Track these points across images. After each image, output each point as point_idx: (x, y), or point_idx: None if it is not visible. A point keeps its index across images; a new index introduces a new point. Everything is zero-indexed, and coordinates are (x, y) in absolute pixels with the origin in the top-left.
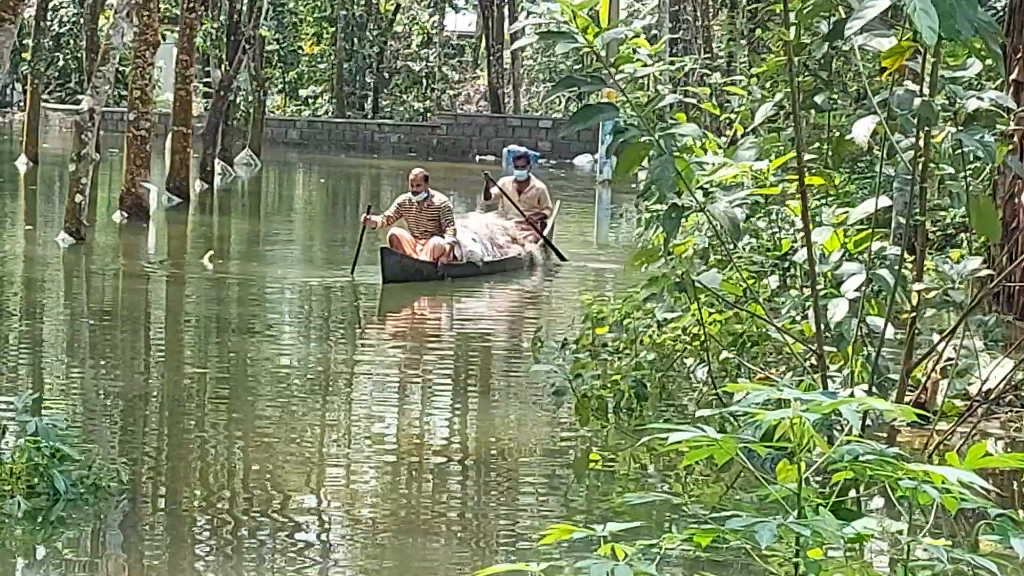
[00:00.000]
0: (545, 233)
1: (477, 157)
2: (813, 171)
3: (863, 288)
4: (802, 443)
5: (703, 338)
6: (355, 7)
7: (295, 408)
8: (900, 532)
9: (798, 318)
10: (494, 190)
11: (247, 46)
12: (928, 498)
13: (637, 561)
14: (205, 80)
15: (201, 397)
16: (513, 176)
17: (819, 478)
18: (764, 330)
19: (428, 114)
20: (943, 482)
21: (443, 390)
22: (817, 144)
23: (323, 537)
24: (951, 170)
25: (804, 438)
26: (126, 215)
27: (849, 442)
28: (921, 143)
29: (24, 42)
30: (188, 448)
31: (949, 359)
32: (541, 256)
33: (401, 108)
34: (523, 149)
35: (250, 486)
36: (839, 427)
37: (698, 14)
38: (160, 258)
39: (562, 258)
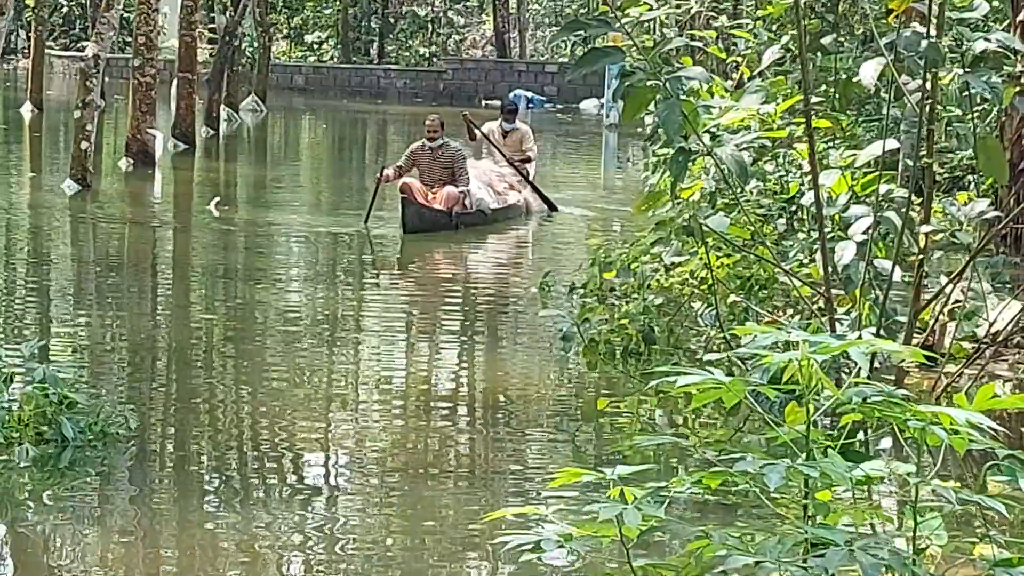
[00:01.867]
0: (530, 176)
1: (483, 102)
2: (820, 114)
3: (870, 231)
4: (810, 385)
5: (711, 282)
6: None
7: (304, 355)
8: (908, 473)
9: (806, 261)
10: (478, 132)
11: None
12: (936, 439)
13: (646, 504)
14: (210, 26)
15: (209, 344)
16: (499, 121)
17: (827, 420)
18: (772, 273)
19: (434, 59)
20: (951, 423)
21: (451, 336)
22: (824, 87)
23: (331, 482)
24: (958, 112)
25: (812, 380)
26: (132, 162)
27: (857, 384)
28: (928, 85)
29: None
30: (196, 395)
31: (957, 301)
32: (536, 203)
33: (407, 53)
34: (529, 93)
35: (258, 432)
36: (847, 369)
37: None
38: (166, 205)
39: (553, 208)
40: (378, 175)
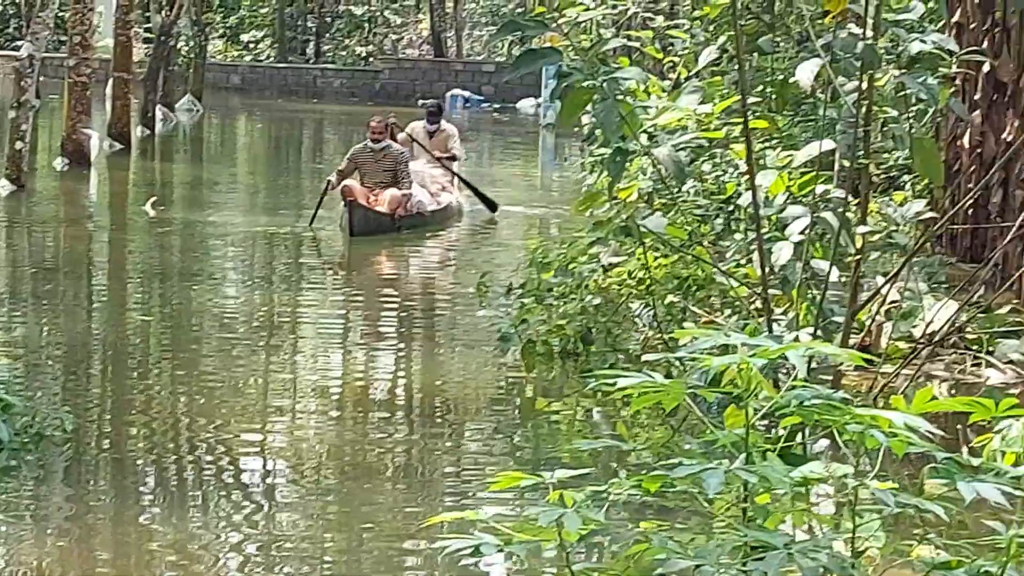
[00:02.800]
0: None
1: (420, 102)
2: (757, 114)
3: (807, 231)
4: (749, 388)
5: (648, 282)
6: None
7: (241, 356)
8: (847, 476)
9: (743, 262)
10: (400, 135)
11: None
12: (875, 442)
13: (585, 508)
14: (146, 26)
15: (145, 345)
16: (423, 122)
17: (766, 422)
18: (709, 274)
19: (370, 59)
20: (890, 426)
21: (389, 338)
22: (761, 87)
23: (268, 484)
24: (894, 113)
25: (751, 383)
26: (67, 162)
27: (795, 387)
28: (864, 86)
29: None
30: (132, 396)
31: (893, 302)
32: (468, 204)
33: (343, 53)
34: (466, 93)
35: (195, 434)
36: (785, 371)
37: None
38: (102, 205)
39: (492, 207)
40: (325, 185)
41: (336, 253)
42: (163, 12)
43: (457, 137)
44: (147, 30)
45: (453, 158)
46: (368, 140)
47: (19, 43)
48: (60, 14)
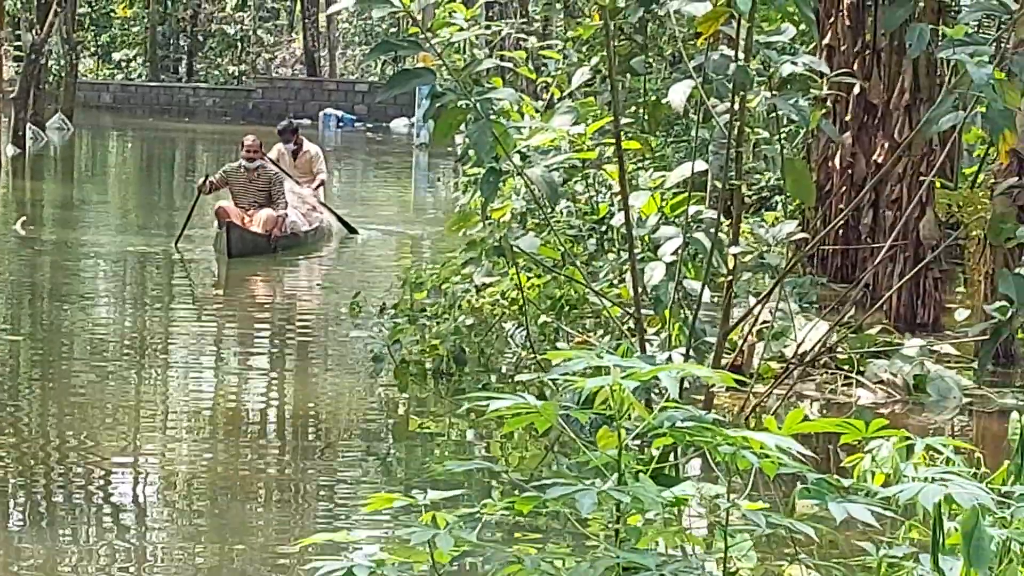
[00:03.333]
0: (322, 198)
1: (293, 121)
2: (630, 135)
3: (680, 251)
4: (621, 410)
5: (521, 302)
6: None
7: (111, 377)
8: (718, 496)
9: (616, 282)
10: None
11: (59, 9)
12: (747, 463)
13: (458, 528)
14: (16, 43)
15: (15, 365)
16: (283, 146)
17: (639, 443)
18: (582, 294)
19: (243, 78)
20: (761, 447)
21: (262, 358)
22: (634, 108)
23: (139, 505)
24: (766, 134)
25: (623, 405)
26: None
27: (667, 408)
28: (736, 107)
29: None
30: (1, 417)
31: (765, 322)
32: (336, 225)
33: (216, 72)
34: (340, 112)
35: (65, 455)
36: (658, 391)
37: None
38: None
39: (352, 230)
40: (199, 185)
41: (208, 273)
42: (34, 30)
43: (322, 158)
44: (17, 48)
45: (321, 183)
46: (242, 159)
47: None
48: None
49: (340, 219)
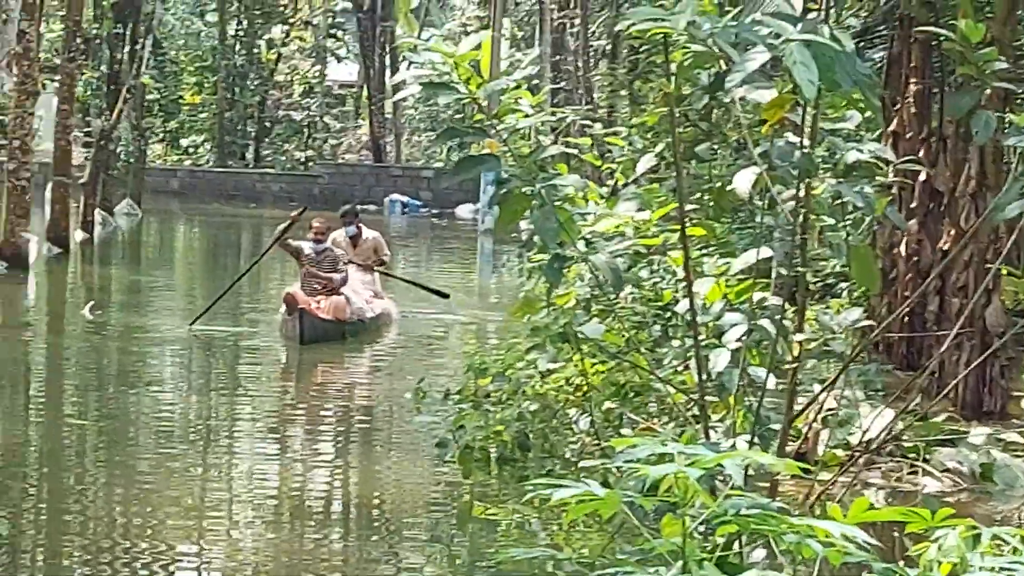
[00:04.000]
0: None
1: (358, 206)
2: (694, 221)
3: (744, 338)
4: (686, 497)
5: (586, 388)
6: (236, 56)
7: (176, 461)
8: None
9: (680, 368)
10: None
11: (128, 95)
12: (812, 552)
13: None
14: (86, 130)
15: (81, 451)
16: (344, 231)
17: (703, 530)
18: (647, 380)
19: (310, 163)
20: (827, 536)
21: (327, 444)
22: (698, 194)
23: None
24: (831, 221)
25: (688, 492)
26: (6, 265)
27: (732, 495)
28: (801, 194)
29: None
30: (68, 502)
31: (830, 409)
32: (396, 311)
33: (283, 157)
34: (405, 198)
35: (131, 539)
36: (723, 477)
37: (579, 64)
38: (40, 309)
39: (443, 295)
40: (281, 229)
41: (274, 359)
42: (103, 116)
43: (383, 241)
44: (87, 134)
45: (382, 263)
46: (311, 242)
47: None
48: (0, 118)
49: (426, 287)
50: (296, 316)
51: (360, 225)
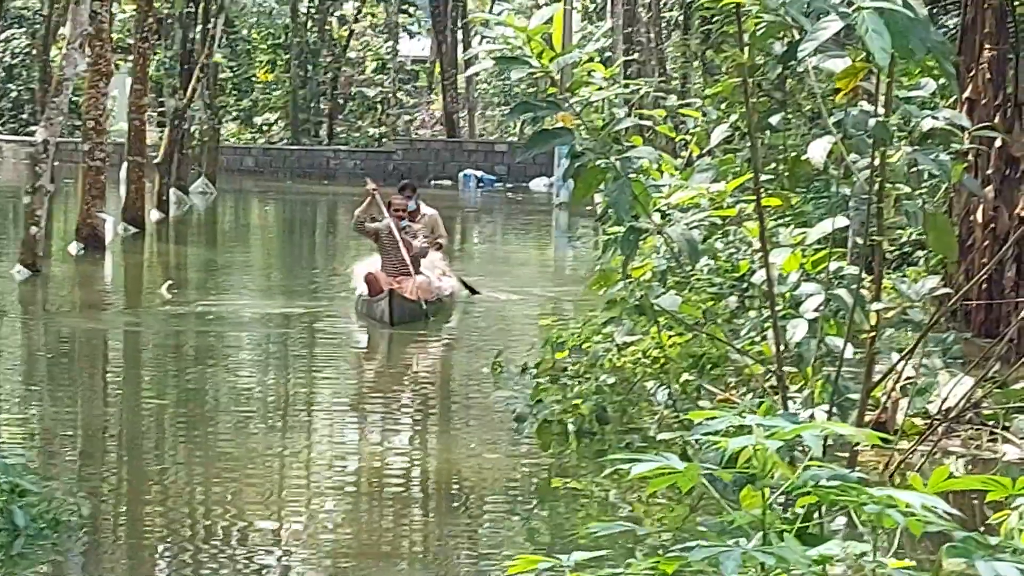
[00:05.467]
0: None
1: (433, 182)
2: (770, 192)
3: (821, 308)
4: (765, 469)
5: (663, 361)
6: (308, 34)
7: (256, 438)
8: (864, 555)
9: (757, 339)
10: (374, 225)
11: (201, 74)
12: (892, 522)
13: None
14: (159, 109)
15: (161, 429)
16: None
17: (782, 502)
18: (724, 352)
19: (383, 140)
20: (907, 505)
21: (405, 420)
22: (773, 165)
23: (284, 567)
24: (907, 189)
25: (767, 464)
26: (82, 246)
27: (811, 467)
28: (877, 163)
29: None
30: (148, 480)
31: (909, 378)
32: (460, 288)
33: (356, 134)
34: (479, 173)
35: (211, 516)
36: (802, 448)
37: (652, 36)
38: (117, 289)
39: (474, 291)
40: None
41: (350, 337)
42: (177, 96)
43: (440, 220)
44: (161, 114)
45: (440, 247)
46: (391, 219)
47: (34, 128)
48: (74, 99)
49: (463, 282)
50: (385, 298)
51: (419, 201)
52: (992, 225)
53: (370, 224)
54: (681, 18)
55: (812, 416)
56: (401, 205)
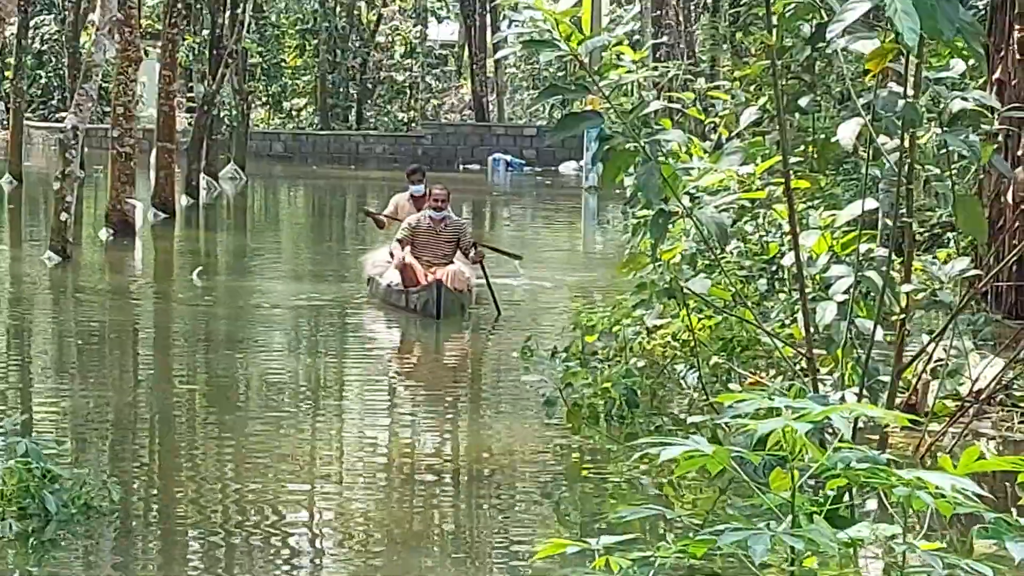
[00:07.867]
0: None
1: (462, 166)
2: (799, 174)
3: (851, 290)
4: (795, 451)
5: (693, 344)
6: (337, 19)
7: (286, 424)
8: (894, 537)
9: (787, 322)
10: (383, 217)
11: (230, 60)
12: (922, 503)
13: (632, 573)
14: (188, 95)
15: (191, 414)
16: (409, 192)
17: (812, 484)
18: (754, 334)
19: (412, 124)
20: (937, 487)
21: (435, 403)
22: (802, 147)
23: (316, 551)
24: (937, 171)
25: (797, 446)
26: (112, 232)
27: (841, 449)
28: (906, 144)
29: (6, 60)
30: (179, 465)
31: (939, 360)
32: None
33: (385, 119)
34: (508, 156)
35: (242, 502)
36: (831, 430)
37: (680, 19)
38: (147, 274)
39: (515, 256)
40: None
41: (377, 323)
42: (206, 81)
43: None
44: (190, 100)
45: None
46: (429, 210)
47: (63, 115)
48: (104, 85)
49: (499, 250)
50: (428, 290)
51: (426, 183)
52: (1022, 206)
53: (401, 239)
54: (710, 0)
55: (842, 398)
56: (441, 195)
